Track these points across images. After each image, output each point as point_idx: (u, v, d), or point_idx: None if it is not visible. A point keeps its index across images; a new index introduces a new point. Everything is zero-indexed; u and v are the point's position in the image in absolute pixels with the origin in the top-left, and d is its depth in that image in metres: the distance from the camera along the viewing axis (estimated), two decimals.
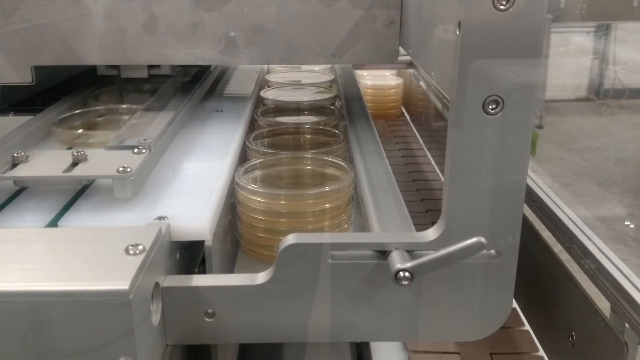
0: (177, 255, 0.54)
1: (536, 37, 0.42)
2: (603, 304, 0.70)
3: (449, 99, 0.46)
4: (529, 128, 0.45)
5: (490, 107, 0.44)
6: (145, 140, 0.62)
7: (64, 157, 0.58)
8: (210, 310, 0.50)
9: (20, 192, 0.59)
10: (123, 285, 0.41)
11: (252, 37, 0.77)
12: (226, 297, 0.50)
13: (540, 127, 4.03)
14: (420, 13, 0.66)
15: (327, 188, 0.64)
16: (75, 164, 0.57)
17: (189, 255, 0.57)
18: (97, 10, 0.75)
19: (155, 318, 0.47)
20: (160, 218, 0.53)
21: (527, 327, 0.85)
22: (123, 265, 0.43)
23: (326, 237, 0.50)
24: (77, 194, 0.58)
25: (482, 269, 0.49)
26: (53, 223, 0.53)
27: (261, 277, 0.50)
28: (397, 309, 0.51)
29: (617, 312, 0.67)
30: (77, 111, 0.82)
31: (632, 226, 2.72)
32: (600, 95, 4.76)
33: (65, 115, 0.79)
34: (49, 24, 0.76)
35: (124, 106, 0.85)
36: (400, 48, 0.79)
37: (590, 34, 4.70)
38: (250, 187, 0.64)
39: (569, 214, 0.82)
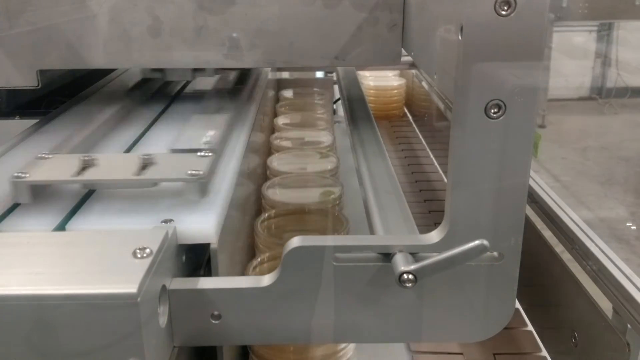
0: (183, 258, 0.54)
1: (538, 41, 0.43)
2: (605, 305, 0.70)
3: (451, 102, 0.47)
4: (531, 131, 0.45)
5: (492, 111, 0.44)
6: (207, 142, 0.64)
7: (131, 160, 0.60)
8: (216, 313, 0.50)
9: None
10: (131, 288, 0.41)
11: (255, 40, 0.78)
12: (232, 300, 0.50)
13: (542, 126, 4.03)
14: (422, 16, 0.67)
15: None
16: (144, 166, 0.58)
17: (194, 258, 0.58)
18: (102, 14, 0.76)
19: (163, 320, 0.48)
20: (166, 221, 0.53)
21: (530, 327, 0.85)
22: (131, 269, 0.44)
23: (330, 240, 0.50)
24: (84, 197, 0.59)
25: (485, 271, 0.50)
26: (61, 227, 0.54)
27: (266, 280, 0.50)
28: (400, 311, 0.51)
29: (619, 313, 0.67)
30: None
31: (632, 228, 2.71)
32: (603, 94, 4.75)
33: None
34: (54, 27, 0.77)
35: None
36: (403, 49, 0.80)
37: (592, 33, 4.70)
38: None
39: (570, 215, 0.83)
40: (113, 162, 0.61)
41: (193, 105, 0.87)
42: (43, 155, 0.61)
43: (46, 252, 0.47)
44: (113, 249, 0.47)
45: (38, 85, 0.79)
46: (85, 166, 0.59)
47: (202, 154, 0.61)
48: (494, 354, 0.79)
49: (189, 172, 0.56)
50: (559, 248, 0.83)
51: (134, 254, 0.45)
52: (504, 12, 0.42)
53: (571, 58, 4.67)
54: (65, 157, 0.62)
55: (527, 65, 0.43)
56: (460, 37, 0.43)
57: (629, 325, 0.66)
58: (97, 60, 0.78)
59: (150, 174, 0.58)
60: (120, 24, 0.76)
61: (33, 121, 0.79)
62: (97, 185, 0.59)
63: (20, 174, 0.56)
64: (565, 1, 2.59)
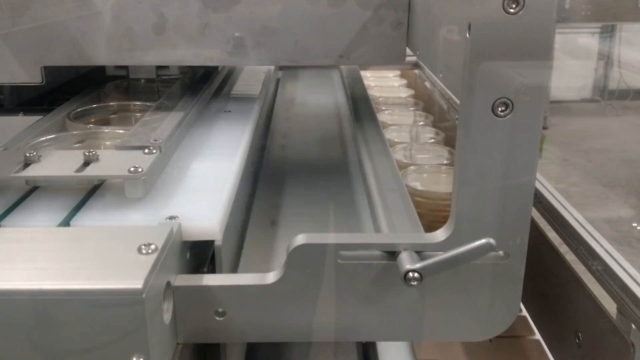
0: (188, 254, 0.54)
1: (546, 39, 0.43)
2: (609, 305, 0.70)
3: (456, 100, 0.47)
4: (538, 130, 0.45)
5: (499, 109, 0.44)
6: (155, 140, 0.63)
7: (76, 157, 0.59)
8: (220, 310, 0.50)
9: (32, 191, 0.59)
10: (136, 284, 0.41)
11: (260, 38, 0.77)
12: (236, 297, 0.50)
13: (545, 127, 4.02)
14: (428, 15, 0.66)
15: None
16: (86, 163, 0.58)
17: (198, 255, 0.58)
18: (107, 11, 0.76)
19: (167, 317, 0.48)
20: (171, 218, 0.53)
21: (538, 336, 0.84)
22: (136, 265, 0.43)
23: (335, 238, 0.50)
24: (89, 193, 0.59)
25: (490, 270, 0.50)
26: (65, 222, 0.53)
27: (271, 277, 0.50)
28: (405, 309, 0.51)
29: (623, 313, 0.67)
30: (92, 106, 0.83)
31: (639, 228, 2.71)
32: (605, 96, 4.76)
33: (79, 109, 0.80)
34: (58, 24, 0.76)
35: (138, 103, 0.85)
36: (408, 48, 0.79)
37: (595, 35, 4.70)
38: None
39: (575, 215, 0.82)
40: (56, 159, 0.60)
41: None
42: None
43: (50, 247, 0.47)
44: (118, 244, 0.46)
45: (42, 82, 0.79)
46: (29, 162, 0.58)
47: (147, 151, 0.61)
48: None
49: (130, 169, 0.56)
50: (563, 248, 0.83)
51: (139, 250, 0.45)
52: (512, 10, 0.42)
53: (574, 59, 4.67)
54: (9, 153, 0.62)
55: (534, 63, 0.43)
56: (468, 35, 0.43)
57: (633, 326, 0.65)
58: (101, 57, 0.78)
59: (90, 170, 0.57)
60: (124, 21, 0.76)
61: (36, 118, 0.79)
62: (37, 182, 0.59)
63: None
64: (568, 2, 2.59)
